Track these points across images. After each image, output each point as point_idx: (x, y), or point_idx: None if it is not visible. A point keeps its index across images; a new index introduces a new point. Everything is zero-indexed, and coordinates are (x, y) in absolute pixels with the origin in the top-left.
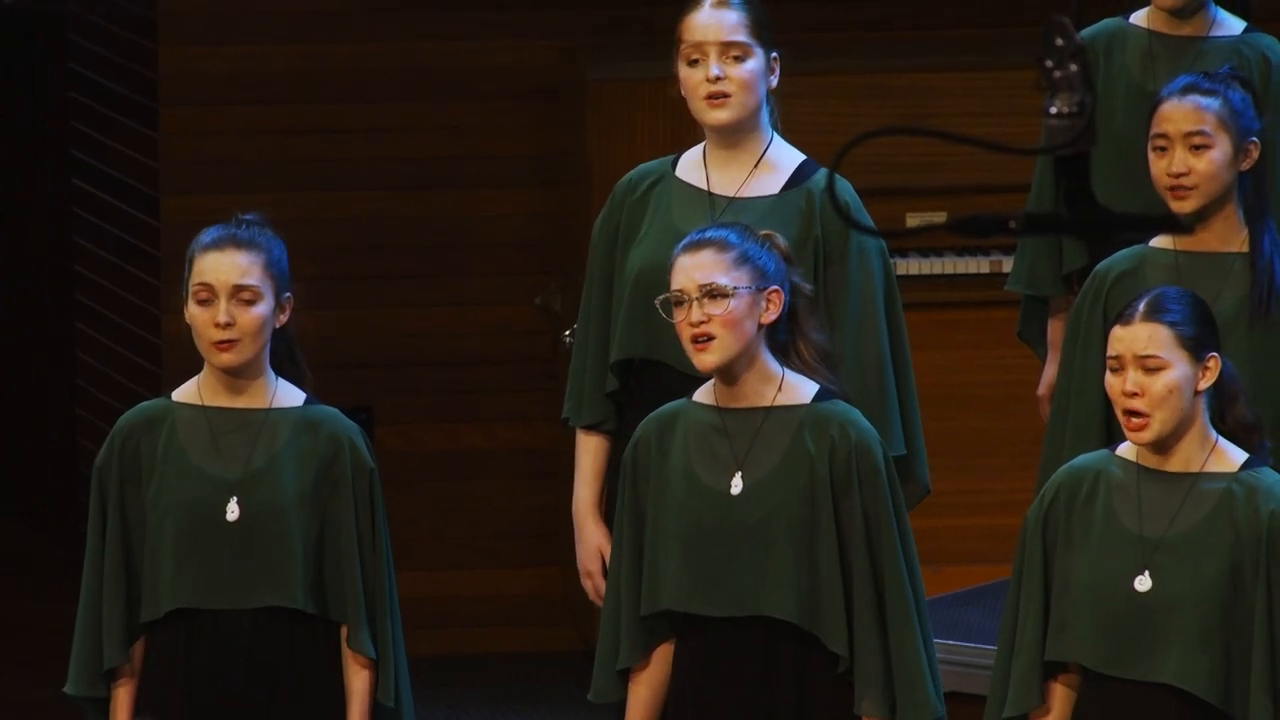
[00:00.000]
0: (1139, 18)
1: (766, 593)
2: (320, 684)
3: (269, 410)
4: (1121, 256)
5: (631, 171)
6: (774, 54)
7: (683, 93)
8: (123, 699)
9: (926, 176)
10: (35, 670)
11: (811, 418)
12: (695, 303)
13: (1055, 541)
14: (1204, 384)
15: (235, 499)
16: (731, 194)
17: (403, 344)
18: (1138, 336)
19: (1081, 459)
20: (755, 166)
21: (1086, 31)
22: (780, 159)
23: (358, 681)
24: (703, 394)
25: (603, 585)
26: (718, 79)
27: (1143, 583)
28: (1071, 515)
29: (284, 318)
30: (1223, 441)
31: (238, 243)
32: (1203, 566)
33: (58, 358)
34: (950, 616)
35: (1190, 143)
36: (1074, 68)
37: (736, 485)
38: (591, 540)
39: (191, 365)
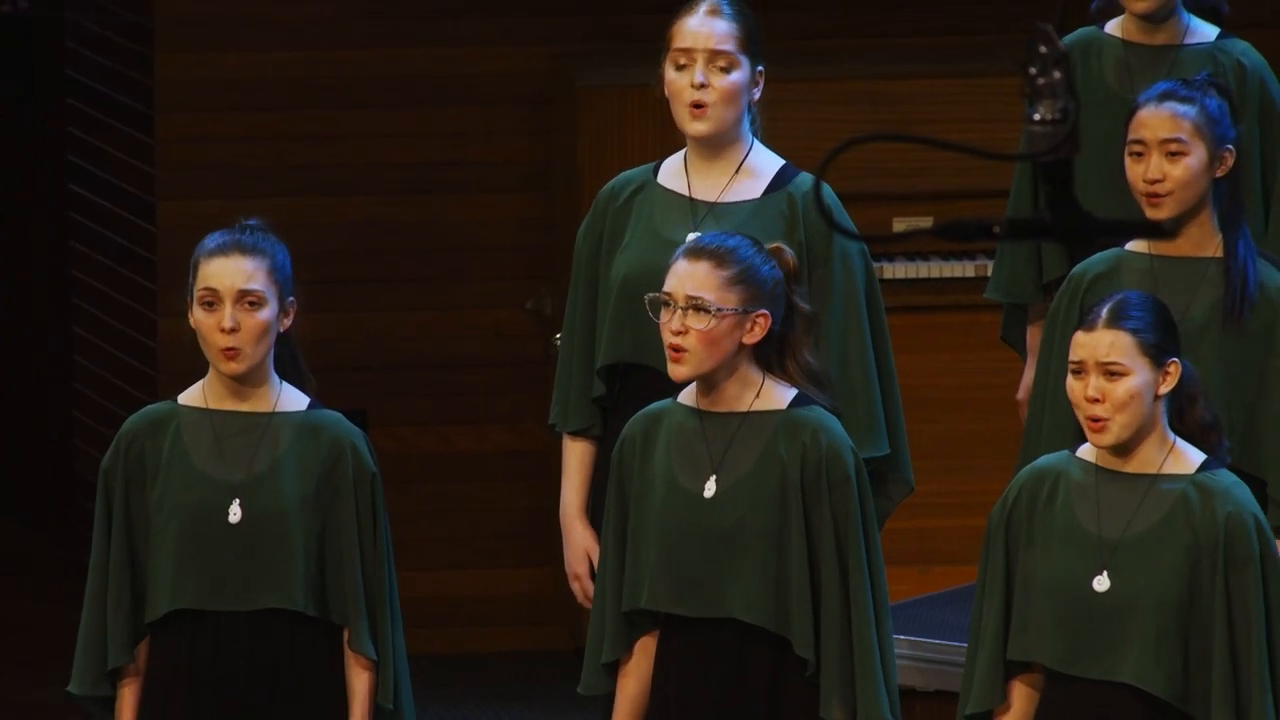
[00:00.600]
0: (1113, 26)
1: (737, 596)
2: (321, 686)
3: (273, 414)
4: (1097, 260)
5: (614, 179)
6: (760, 67)
7: (666, 94)
8: (127, 698)
9: (913, 182)
10: (34, 670)
11: (786, 423)
12: (679, 311)
13: (1018, 541)
14: (1164, 389)
15: (238, 501)
16: (713, 199)
17: (396, 347)
18: (1100, 343)
19: (1043, 459)
20: (736, 172)
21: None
22: (760, 164)
23: (359, 683)
24: (686, 395)
25: (590, 588)
26: (701, 86)
27: (1101, 583)
28: (1033, 515)
29: (287, 322)
30: (1181, 443)
31: (243, 248)
32: (1160, 567)
33: (55, 361)
34: (938, 616)
35: (1166, 149)
36: (1057, 75)
37: (710, 488)
38: (579, 543)
39: (187, 369)
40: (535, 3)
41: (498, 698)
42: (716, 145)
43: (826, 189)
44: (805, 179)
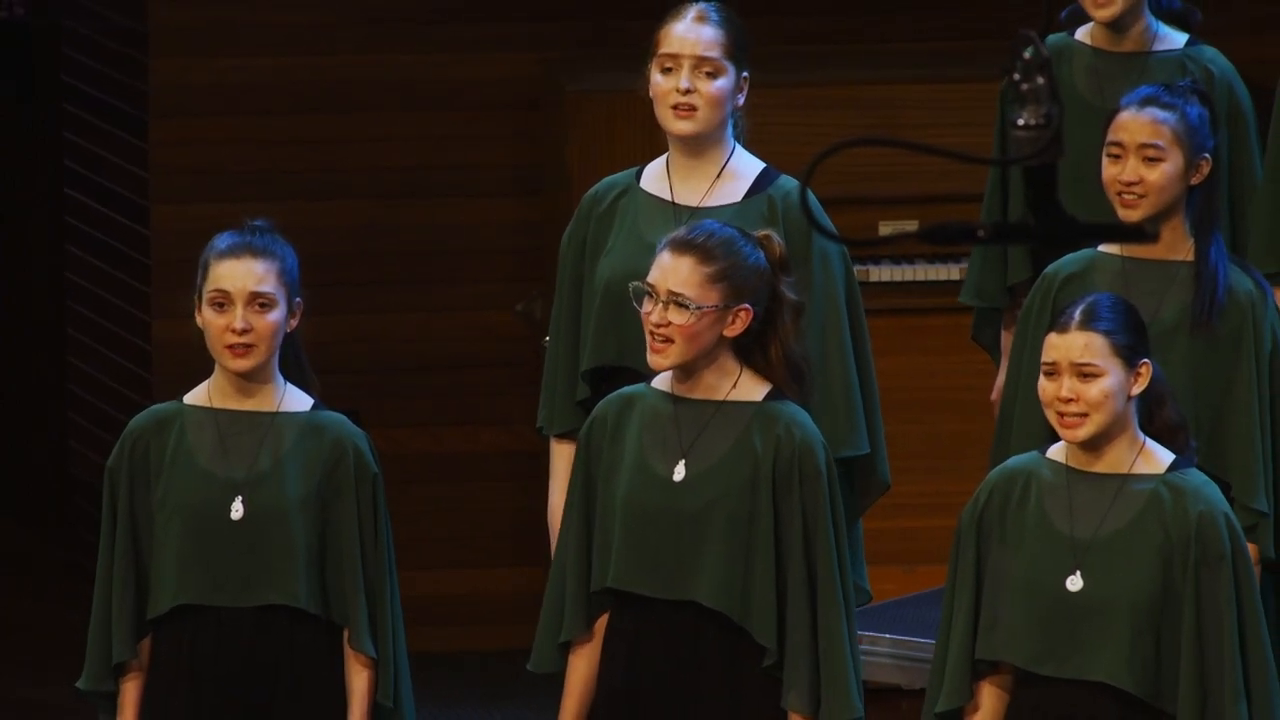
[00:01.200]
0: (1083, 34)
1: (699, 580)
2: (320, 683)
3: (276, 414)
4: (1069, 260)
5: (597, 184)
6: (745, 74)
7: (651, 96)
8: (130, 693)
9: (898, 186)
10: (32, 670)
11: (761, 415)
12: (661, 304)
13: (989, 541)
14: (1136, 389)
15: (240, 499)
16: (695, 204)
17: (388, 349)
18: (1074, 344)
19: (1013, 460)
20: (718, 176)
21: None
22: (741, 168)
23: (358, 681)
24: (661, 381)
25: None
26: (687, 92)
27: (1074, 583)
28: (1005, 516)
29: (295, 322)
30: (1150, 443)
31: (254, 250)
32: (1133, 566)
33: (52, 363)
34: (921, 615)
35: (1144, 154)
36: (1041, 80)
37: (679, 472)
38: None
39: (181, 371)
40: (526, 9)
41: (491, 696)
42: (699, 149)
43: (809, 193)
44: (786, 181)
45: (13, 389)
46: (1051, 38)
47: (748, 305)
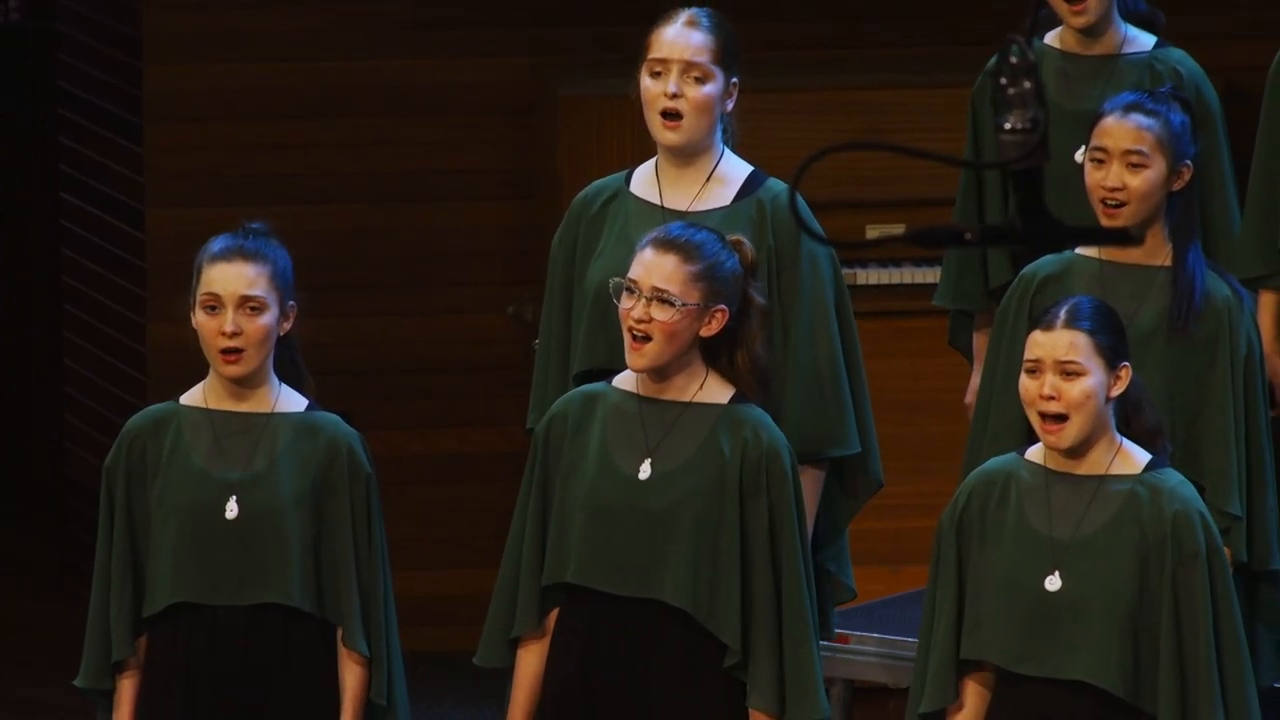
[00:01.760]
0: (1051, 38)
1: (665, 579)
2: (315, 681)
3: (271, 415)
4: (1047, 262)
5: (587, 188)
6: (734, 79)
7: (641, 101)
8: (126, 690)
9: (885, 190)
10: (31, 669)
11: (727, 418)
12: (643, 300)
13: (969, 543)
14: (1116, 391)
15: (235, 498)
16: (684, 208)
17: (380, 351)
18: (1059, 342)
19: (991, 462)
20: (707, 180)
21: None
22: (730, 172)
23: (352, 679)
24: (625, 380)
25: None
26: (674, 96)
27: (1053, 582)
28: (985, 517)
29: (288, 325)
30: (1127, 444)
31: (245, 254)
32: (1111, 566)
33: (48, 366)
34: (908, 614)
35: (1128, 160)
36: (1028, 84)
37: (645, 471)
38: None
39: (176, 373)
40: (516, 15)
41: (484, 695)
42: (688, 154)
43: (798, 196)
44: (774, 184)
45: (10, 391)
46: None
47: (724, 306)
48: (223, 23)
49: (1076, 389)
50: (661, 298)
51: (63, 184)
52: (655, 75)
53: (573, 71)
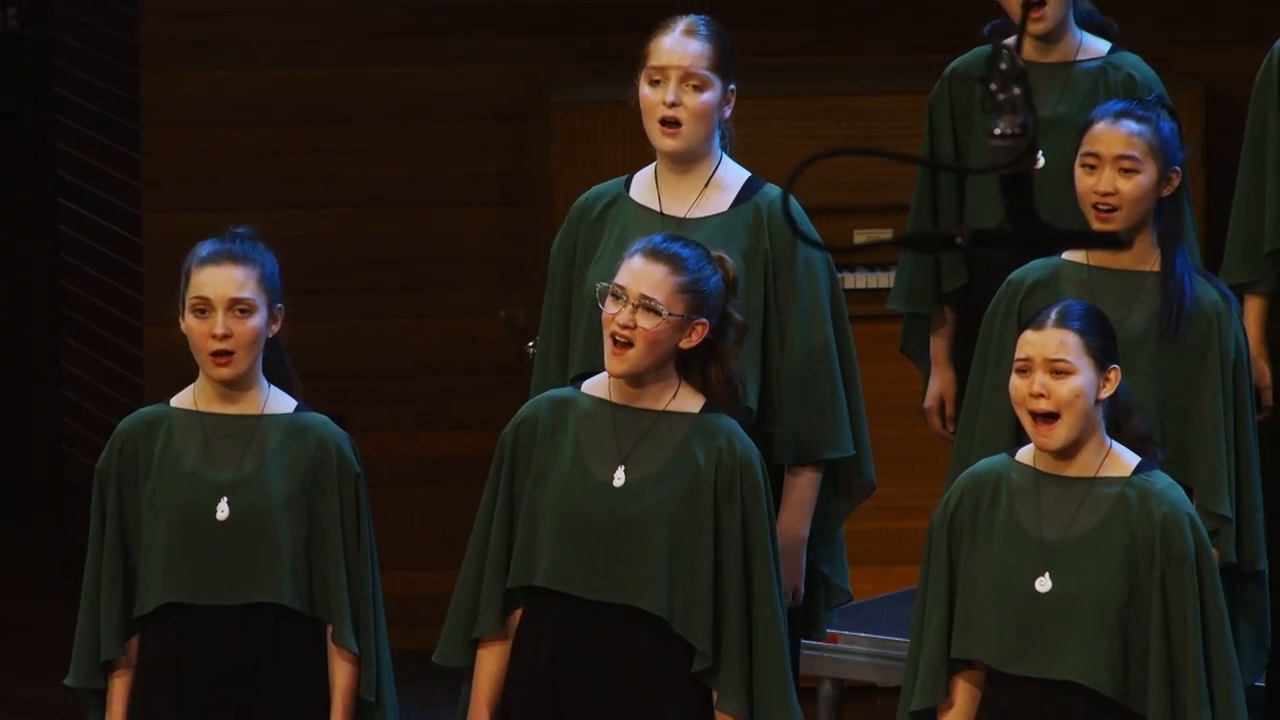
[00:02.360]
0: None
1: (640, 585)
2: (305, 679)
3: (261, 416)
4: (1035, 266)
5: (586, 193)
6: (732, 86)
7: (640, 108)
8: (119, 690)
9: (872, 195)
10: (31, 669)
11: (700, 427)
12: (629, 307)
13: (959, 544)
14: (1105, 393)
15: (225, 500)
16: (683, 214)
17: (375, 355)
18: (1049, 341)
19: (982, 464)
20: (705, 186)
21: (959, 61)
22: (728, 178)
23: (341, 676)
24: (596, 386)
25: None
26: (673, 105)
27: (1043, 583)
28: (975, 519)
29: (276, 328)
30: (1117, 446)
31: (233, 257)
32: (1101, 567)
33: (46, 369)
34: (894, 614)
35: (1120, 166)
36: (1017, 90)
37: (619, 478)
38: None
39: (173, 376)
40: (509, 22)
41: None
42: (686, 161)
43: (793, 201)
44: (771, 190)
45: (10, 394)
46: (975, 50)
47: (705, 320)
48: (219, 30)
49: (1066, 387)
50: (648, 306)
51: (61, 189)
52: (654, 83)
53: (565, 79)
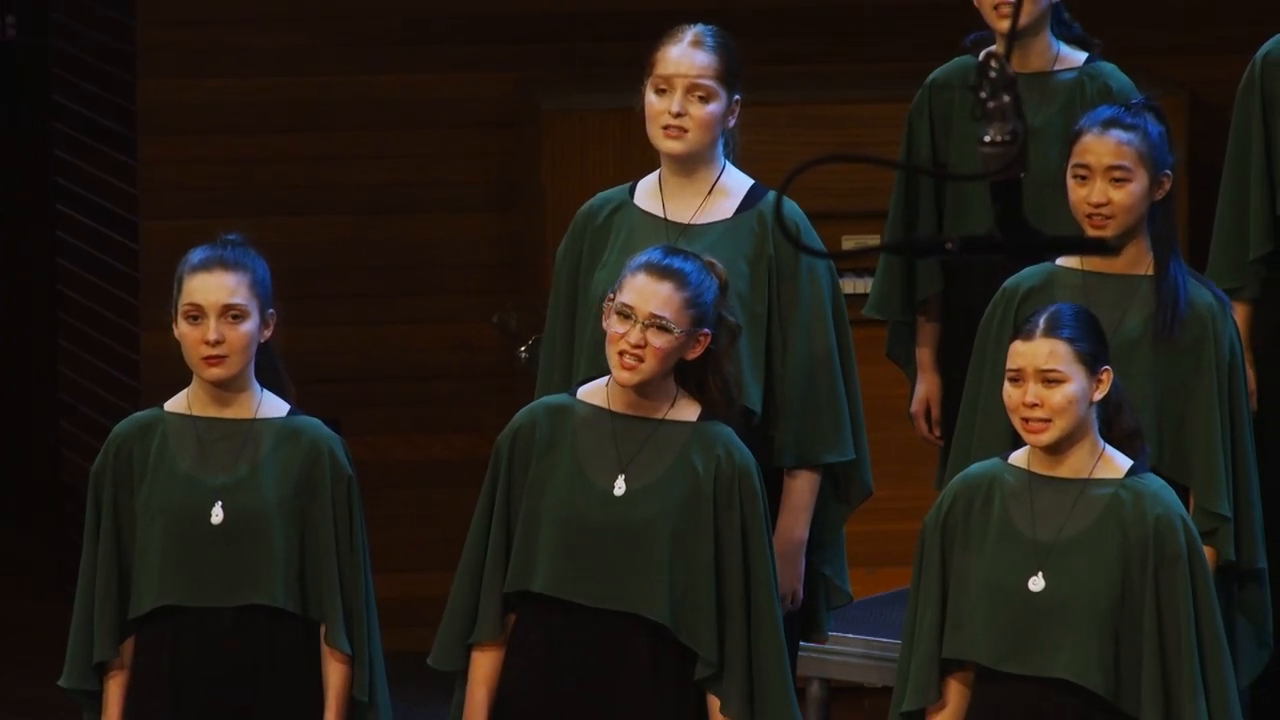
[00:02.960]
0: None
1: (641, 593)
2: (299, 680)
3: (254, 420)
4: (1030, 274)
5: (592, 200)
6: (737, 96)
7: (645, 115)
8: (114, 691)
9: (860, 201)
10: (30, 669)
11: (698, 436)
12: (639, 326)
13: (952, 545)
14: (1097, 395)
15: (220, 503)
16: (687, 220)
17: (368, 359)
18: (1039, 351)
19: (975, 467)
20: (709, 193)
21: (939, 71)
22: (732, 185)
23: (335, 676)
24: (593, 395)
25: None
26: (678, 115)
27: (1036, 584)
28: (969, 520)
29: (268, 333)
30: (1109, 449)
31: (225, 263)
32: (1093, 567)
33: (44, 372)
34: (884, 615)
35: (1111, 176)
36: (1006, 98)
37: (620, 487)
38: None
39: (169, 379)
40: (500, 31)
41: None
42: (690, 167)
43: (795, 208)
44: (773, 197)
45: (8, 396)
46: (956, 60)
47: (707, 330)
48: (215, 39)
49: (1059, 396)
50: (659, 325)
51: (58, 195)
52: (660, 92)
53: (555, 87)
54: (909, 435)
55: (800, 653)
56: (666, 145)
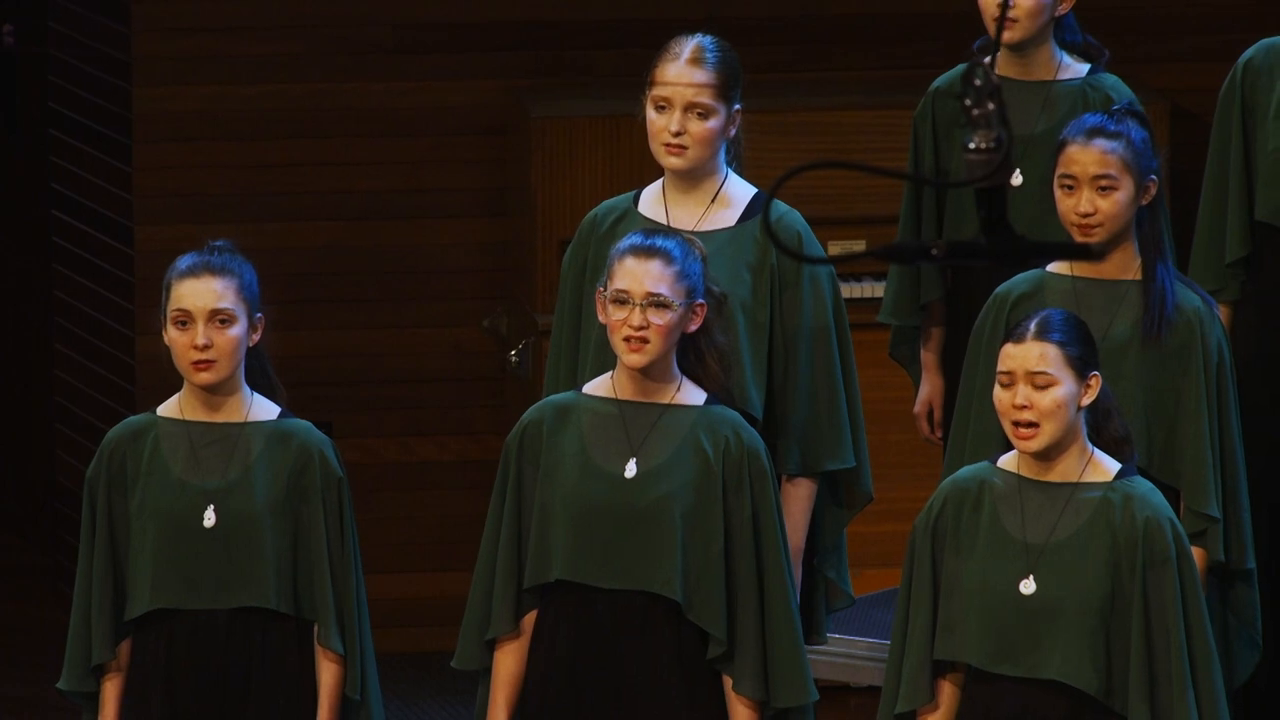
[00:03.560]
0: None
1: (654, 572)
2: (292, 680)
3: (245, 424)
4: (1021, 280)
5: (596, 208)
6: (737, 107)
7: (646, 130)
8: (110, 693)
9: (845, 207)
10: (26, 670)
11: (705, 419)
12: (638, 308)
13: (942, 548)
14: (1086, 400)
15: (212, 507)
16: (690, 228)
17: (361, 364)
18: (1029, 354)
19: (964, 471)
20: (712, 202)
21: (943, 78)
22: (734, 193)
23: (327, 676)
24: (598, 388)
25: None
26: (678, 133)
27: (1027, 586)
28: (959, 523)
29: (256, 337)
30: (1098, 453)
31: (212, 269)
32: (1083, 570)
33: (40, 377)
34: (871, 615)
35: (1097, 185)
36: (991, 106)
37: (631, 470)
38: None
39: (164, 383)
40: (491, 39)
41: (452, 692)
42: (693, 178)
43: (797, 217)
44: (777, 205)
45: (4, 400)
46: (959, 67)
47: (701, 300)
48: (209, 47)
49: (1048, 399)
50: (657, 302)
51: (55, 202)
52: (659, 109)
53: (545, 94)
54: (891, 438)
55: None
56: (668, 162)
